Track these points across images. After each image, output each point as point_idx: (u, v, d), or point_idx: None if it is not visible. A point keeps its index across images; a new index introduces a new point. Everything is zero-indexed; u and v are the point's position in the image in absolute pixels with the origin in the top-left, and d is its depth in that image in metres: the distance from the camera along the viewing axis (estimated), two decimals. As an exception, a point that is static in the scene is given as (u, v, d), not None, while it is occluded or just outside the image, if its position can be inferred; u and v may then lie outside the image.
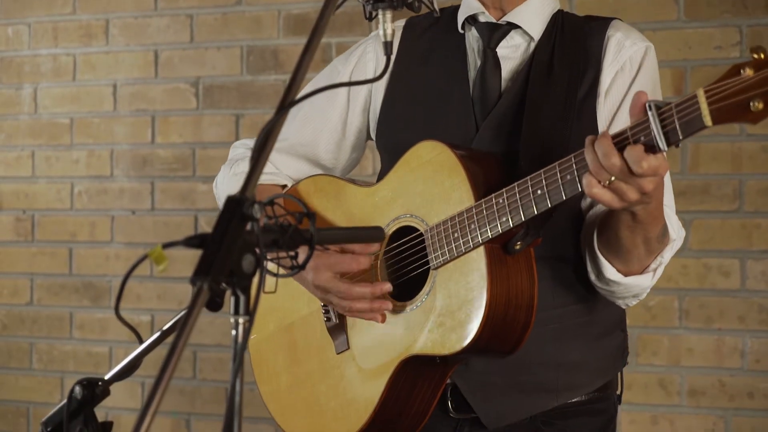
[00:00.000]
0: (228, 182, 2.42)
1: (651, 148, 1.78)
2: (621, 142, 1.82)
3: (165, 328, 1.87)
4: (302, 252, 1.60)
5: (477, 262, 2.04)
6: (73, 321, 4.51)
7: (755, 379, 3.68)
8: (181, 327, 1.40)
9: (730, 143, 3.69)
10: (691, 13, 3.77)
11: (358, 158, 2.49)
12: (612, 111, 2.18)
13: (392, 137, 2.31)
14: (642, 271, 2.10)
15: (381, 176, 2.28)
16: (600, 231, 2.08)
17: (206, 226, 4.33)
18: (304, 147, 2.42)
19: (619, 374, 2.32)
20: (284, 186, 2.42)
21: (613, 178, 1.82)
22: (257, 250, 1.48)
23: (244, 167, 2.40)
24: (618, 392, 2.33)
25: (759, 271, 3.68)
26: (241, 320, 1.48)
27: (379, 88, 2.35)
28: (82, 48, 4.52)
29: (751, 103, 1.67)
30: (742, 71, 1.68)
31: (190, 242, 1.49)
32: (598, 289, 2.16)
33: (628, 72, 2.18)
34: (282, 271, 1.62)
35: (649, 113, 1.76)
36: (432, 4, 1.99)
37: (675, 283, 3.72)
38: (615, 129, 1.92)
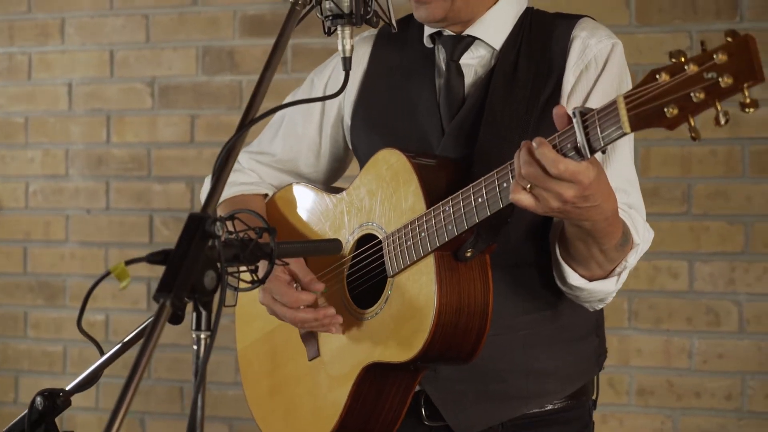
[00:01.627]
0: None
1: (578, 155, 1.75)
2: None
3: (126, 339, 1.89)
4: (262, 266, 1.63)
5: (427, 269, 2.05)
6: (27, 320, 4.49)
7: (702, 379, 3.73)
8: (145, 343, 1.43)
9: (680, 147, 3.74)
10: (643, 18, 3.81)
11: (341, 168, 2.51)
12: None
13: (363, 145, 2.33)
14: (606, 276, 2.08)
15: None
16: (560, 239, 2.07)
17: (161, 226, 4.33)
18: (285, 162, 2.47)
19: (594, 378, 2.30)
20: (265, 195, 2.48)
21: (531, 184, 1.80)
22: (218, 265, 1.51)
23: (234, 177, 2.46)
24: (594, 397, 2.31)
25: (707, 272, 3.73)
26: (202, 335, 1.51)
27: (349, 98, 2.37)
28: (38, 47, 4.50)
29: (666, 109, 1.62)
30: (658, 76, 1.61)
31: (153, 258, 1.52)
32: (565, 293, 2.15)
33: (593, 71, 2.16)
34: (243, 285, 1.65)
35: (574, 120, 1.73)
36: (390, 20, 2.02)
37: (625, 284, 3.71)
38: None
